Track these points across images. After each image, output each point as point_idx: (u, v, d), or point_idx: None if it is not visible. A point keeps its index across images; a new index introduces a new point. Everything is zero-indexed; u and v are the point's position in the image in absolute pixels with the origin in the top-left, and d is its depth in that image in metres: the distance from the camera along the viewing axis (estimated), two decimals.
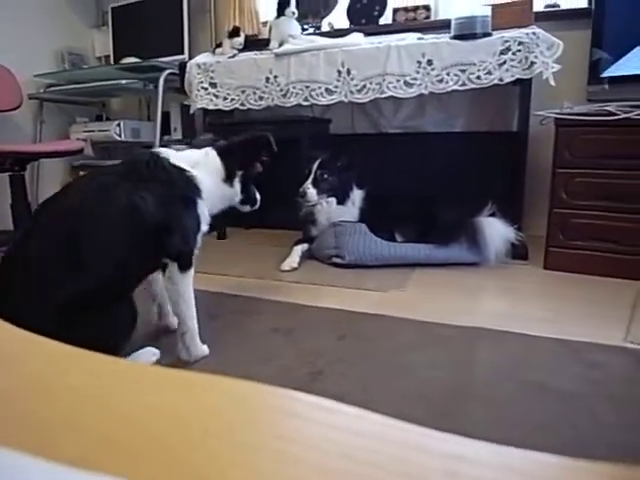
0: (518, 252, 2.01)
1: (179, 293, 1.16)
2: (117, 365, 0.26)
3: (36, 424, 0.20)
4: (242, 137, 1.36)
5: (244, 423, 0.19)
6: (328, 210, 2.13)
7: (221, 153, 1.29)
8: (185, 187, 1.17)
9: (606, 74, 2.05)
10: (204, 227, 1.22)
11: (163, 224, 1.10)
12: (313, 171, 2.08)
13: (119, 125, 2.85)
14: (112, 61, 3.20)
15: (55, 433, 0.19)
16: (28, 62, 2.91)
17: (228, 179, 1.30)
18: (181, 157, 1.21)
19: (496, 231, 1.93)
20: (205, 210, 1.22)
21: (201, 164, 1.24)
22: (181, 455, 0.18)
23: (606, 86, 2.05)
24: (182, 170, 1.18)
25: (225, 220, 2.51)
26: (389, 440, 0.18)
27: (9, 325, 0.30)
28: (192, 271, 1.18)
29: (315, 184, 2.07)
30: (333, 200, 2.12)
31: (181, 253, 1.15)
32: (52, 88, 2.97)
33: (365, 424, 0.19)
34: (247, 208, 1.42)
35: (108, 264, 1.04)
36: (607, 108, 1.72)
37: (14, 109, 2.64)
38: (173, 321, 1.34)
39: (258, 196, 1.43)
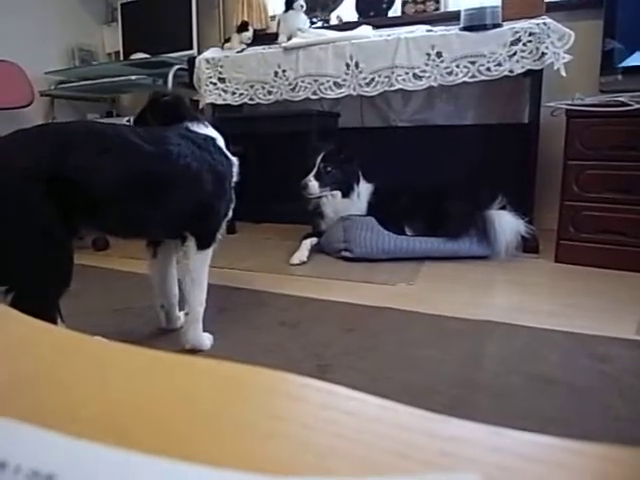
0: (529, 245, 1.99)
1: (189, 269, 1.18)
2: (120, 350, 0.26)
3: (39, 411, 0.20)
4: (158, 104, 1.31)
5: (238, 403, 0.20)
6: (334, 203, 2.13)
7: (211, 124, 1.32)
8: (230, 174, 1.24)
9: (619, 64, 2.01)
10: (230, 213, 1.27)
11: (208, 204, 1.17)
12: (317, 164, 2.08)
13: (129, 121, 2.86)
14: (122, 57, 3.22)
15: (57, 420, 0.19)
16: (39, 59, 2.94)
17: None
18: (220, 140, 1.26)
19: (506, 224, 1.91)
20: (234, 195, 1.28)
21: (222, 143, 1.27)
22: (179, 434, 0.18)
23: (619, 77, 2.02)
24: (228, 158, 1.25)
25: (235, 214, 2.53)
26: (383, 421, 0.18)
27: (15, 312, 0.31)
28: (208, 254, 1.21)
29: (318, 177, 2.07)
30: (338, 193, 2.12)
31: (204, 232, 1.19)
32: (63, 85, 3.00)
33: (358, 405, 0.19)
34: None
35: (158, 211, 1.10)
36: (620, 99, 1.70)
37: (26, 106, 2.66)
38: (179, 322, 1.34)
39: None
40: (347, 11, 2.83)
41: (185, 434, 0.18)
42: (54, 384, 0.22)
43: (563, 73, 1.87)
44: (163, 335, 1.33)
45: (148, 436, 0.18)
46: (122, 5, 3.25)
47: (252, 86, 2.40)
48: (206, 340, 1.23)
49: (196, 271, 1.19)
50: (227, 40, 2.68)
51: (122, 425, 0.18)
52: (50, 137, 0.98)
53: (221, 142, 1.26)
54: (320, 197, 2.12)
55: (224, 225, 1.25)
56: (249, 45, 2.59)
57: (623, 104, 1.67)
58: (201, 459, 0.16)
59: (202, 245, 1.19)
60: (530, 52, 1.88)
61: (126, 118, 2.86)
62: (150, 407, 0.20)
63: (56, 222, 0.95)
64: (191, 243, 1.17)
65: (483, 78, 1.97)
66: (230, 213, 1.27)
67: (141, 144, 1.04)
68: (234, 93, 2.44)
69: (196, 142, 1.16)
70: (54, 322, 0.98)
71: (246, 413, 0.19)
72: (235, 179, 1.29)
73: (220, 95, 2.47)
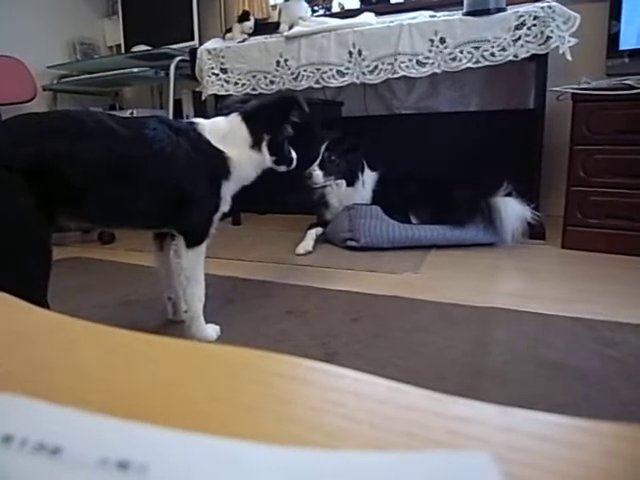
0: (535, 232, 1.98)
1: (182, 267, 1.18)
2: (128, 337, 0.26)
3: (48, 395, 0.20)
4: (268, 99, 1.34)
5: (246, 388, 0.20)
6: (338, 192, 2.13)
7: (246, 118, 1.27)
8: (217, 168, 1.20)
9: (625, 47, 1.99)
10: (224, 208, 1.24)
11: (186, 193, 1.13)
12: (321, 153, 2.08)
13: (132, 114, 2.86)
14: (123, 50, 3.21)
15: (67, 402, 0.19)
16: (41, 54, 2.93)
17: (255, 145, 1.27)
18: (212, 130, 1.21)
19: (512, 211, 1.90)
20: (227, 193, 1.23)
21: (229, 136, 1.23)
22: (186, 416, 0.18)
23: (626, 59, 2.00)
24: (220, 151, 1.20)
25: (240, 205, 2.52)
26: (390, 402, 0.18)
27: (24, 302, 0.31)
28: (201, 251, 1.19)
29: (322, 166, 2.07)
30: (342, 182, 2.12)
31: (191, 228, 1.17)
32: (65, 79, 2.99)
33: (366, 387, 0.19)
34: (283, 168, 1.39)
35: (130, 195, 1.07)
36: (627, 82, 1.68)
37: (29, 101, 2.66)
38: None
39: (294, 155, 1.40)
40: None
41: (192, 416, 0.18)
42: (63, 369, 0.22)
43: (569, 57, 1.84)
44: (171, 326, 1.34)
45: (155, 417, 0.18)
46: None
47: (254, 76, 2.38)
48: (211, 332, 1.23)
49: (189, 269, 1.17)
50: (228, 30, 2.67)
51: (131, 406, 0.18)
52: (25, 126, 0.97)
53: (206, 130, 1.21)
54: (325, 186, 2.11)
55: (215, 221, 1.22)
56: (250, 35, 2.57)
57: (630, 87, 1.65)
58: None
59: (191, 243, 1.17)
60: (535, 36, 1.86)
61: (129, 111, 2.86)
62: (158, 391, 0.20)
63: (32, 212, 0.93)
64: (180, 241, 1.16)
65: (487, 64, 1.95)
66: (223, 209, 1.23)
67: (116, 128, 1.03)
68: (236, 84, 2.43)
69: (173, 128, 1.13)
70: None
71: (253, 397, 0.19)
72: (234, 173, 1.23)
73: (222, 86, 2.46)
